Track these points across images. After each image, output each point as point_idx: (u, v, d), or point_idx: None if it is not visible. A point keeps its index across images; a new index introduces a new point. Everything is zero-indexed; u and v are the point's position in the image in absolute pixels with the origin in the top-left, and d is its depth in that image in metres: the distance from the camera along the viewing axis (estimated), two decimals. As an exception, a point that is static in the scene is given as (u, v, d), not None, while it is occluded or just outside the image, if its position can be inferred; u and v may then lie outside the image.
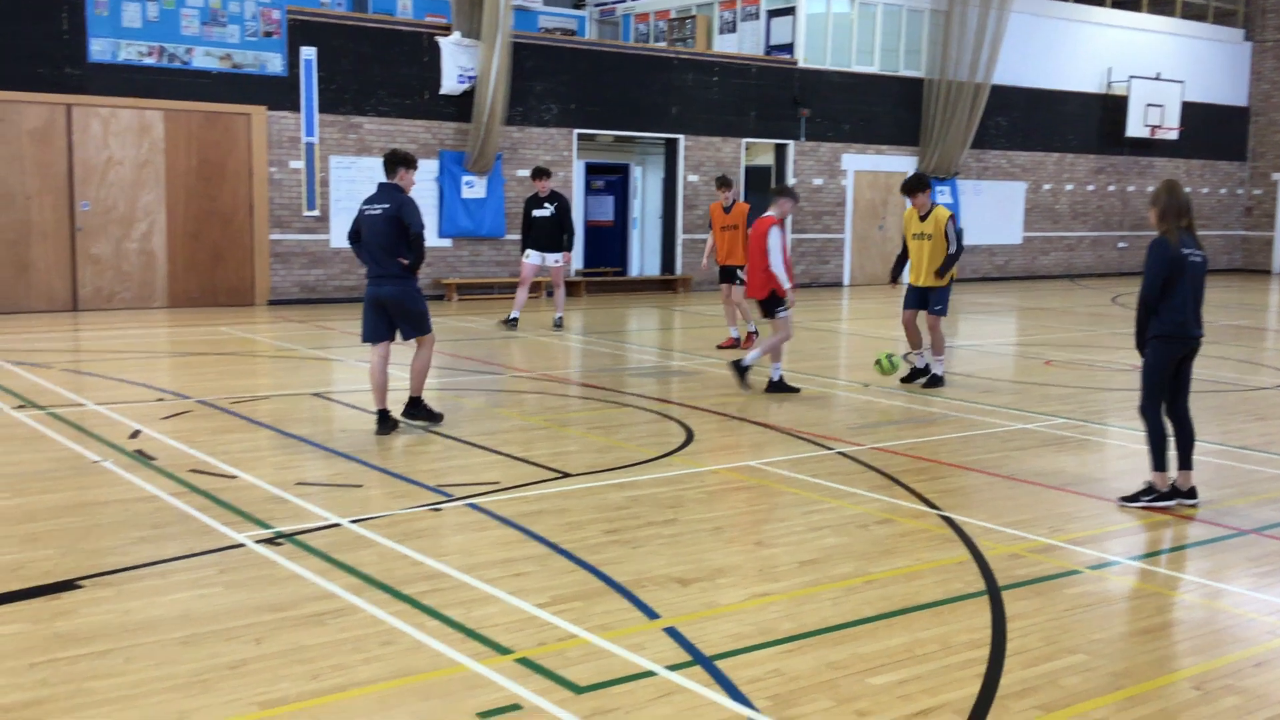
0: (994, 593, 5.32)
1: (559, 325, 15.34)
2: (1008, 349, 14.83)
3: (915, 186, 11.03)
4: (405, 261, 8.56)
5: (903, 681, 4.33)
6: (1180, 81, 27.36)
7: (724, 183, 13.76)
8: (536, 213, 15.04)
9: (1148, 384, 6.90)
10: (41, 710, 3.95)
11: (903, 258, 11.42)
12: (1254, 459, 8.27)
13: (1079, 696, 4.23)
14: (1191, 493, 6.87)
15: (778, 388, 10.67)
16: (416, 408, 9.00)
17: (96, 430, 8.43)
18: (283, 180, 17.56)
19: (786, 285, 10.48)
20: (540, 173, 15.11)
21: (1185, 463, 6.92)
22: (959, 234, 10.98)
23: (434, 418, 8.98)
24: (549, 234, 15.02)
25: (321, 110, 17.68)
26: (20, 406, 9.29)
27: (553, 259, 15.14)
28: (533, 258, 15.15)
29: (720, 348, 13.60)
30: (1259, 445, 8.72)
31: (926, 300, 11.10)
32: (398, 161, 8.66)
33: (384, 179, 8.72)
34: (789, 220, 10.53)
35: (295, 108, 17.49)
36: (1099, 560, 5.87)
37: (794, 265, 22.98)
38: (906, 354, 11.72)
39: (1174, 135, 27.26)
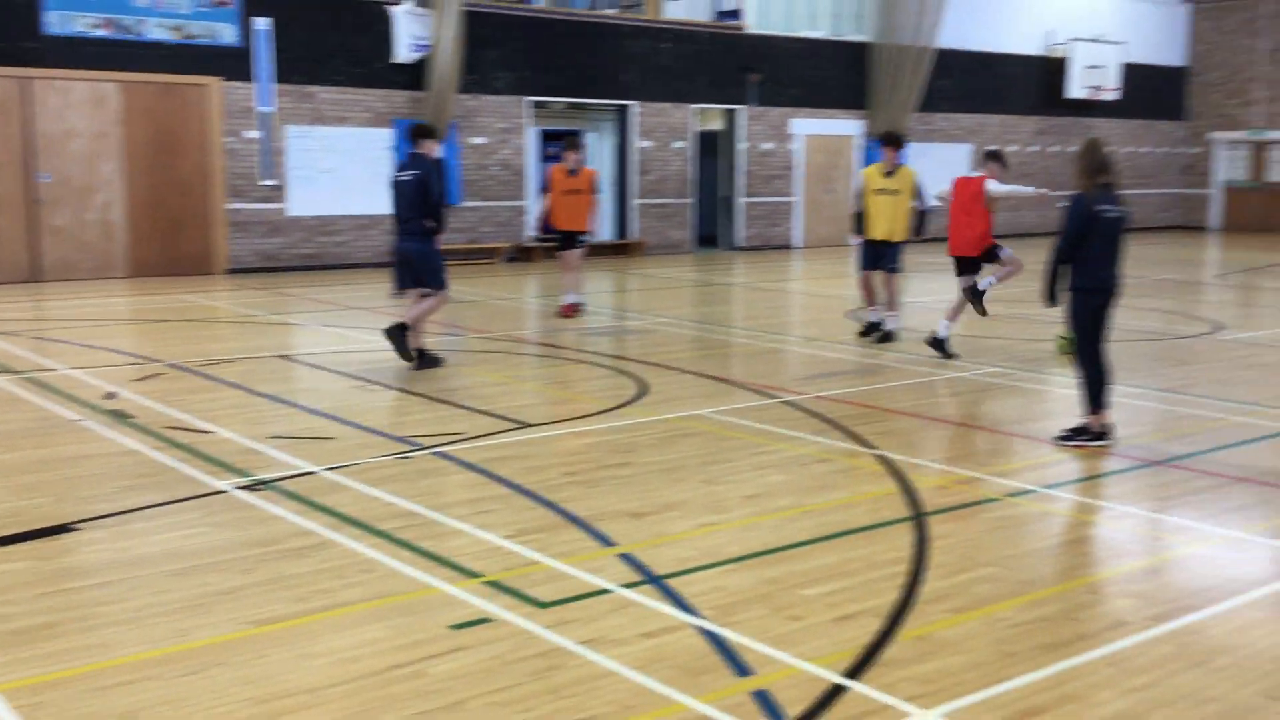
0: (919, 519, 5.84)
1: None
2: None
3: (895, 140, 11.36)
4: (430, 224, 9.67)
5: (831, 592, 4.83)
6: (1120, 43, 28.00)
7: (572, 145, 13.17)
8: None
9: (1080, 331, 7.33)
10: (55, 631, 4.36)
11: (860, 215, 11.54)
12: (1171, 400, 8.86)
13: (987, 600, 4.75)
14: (1102, 434, 7.34)
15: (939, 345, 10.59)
16: (401, 332, 9.69)
17: (72, 392, 8.76)
18: (239, 150, 17.77)
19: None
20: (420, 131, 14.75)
21: (1097, 405, 7.36)
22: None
23: (408, 356, 9.72)
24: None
25: (276, 80, 17.88)
26: (-5, 372, 9.60)
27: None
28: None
29: (562, 315, 13.22)
30: (1177, 388, 9.31)
31: (881, 258, 11.45)
32: (419, 133, 9.88)
33: (411, 149, 9.92)
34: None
35: (250, 78, 17.68)
36: (1017, 489, 6.41)
37: (749, 227, 23.50)
38: (857, 310, 12.17)
39: (1114, 96, 27.93)
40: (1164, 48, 29.88)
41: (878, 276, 11.62)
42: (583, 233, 13.32)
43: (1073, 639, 4.37)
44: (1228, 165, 29.77)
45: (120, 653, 4.17)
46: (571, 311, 13.34)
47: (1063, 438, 7.37)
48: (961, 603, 4.73)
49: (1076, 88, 27.28)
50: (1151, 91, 29.46)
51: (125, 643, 4.26)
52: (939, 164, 25.85)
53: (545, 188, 13.28)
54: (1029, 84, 27.22)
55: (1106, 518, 6.05)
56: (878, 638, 4.37)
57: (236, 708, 3.78)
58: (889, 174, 11.36)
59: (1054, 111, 27.73)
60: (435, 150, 9.89)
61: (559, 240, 13.49)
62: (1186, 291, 16.66)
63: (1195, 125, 30.51)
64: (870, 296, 11.76)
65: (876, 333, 11.60)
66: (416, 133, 9.83)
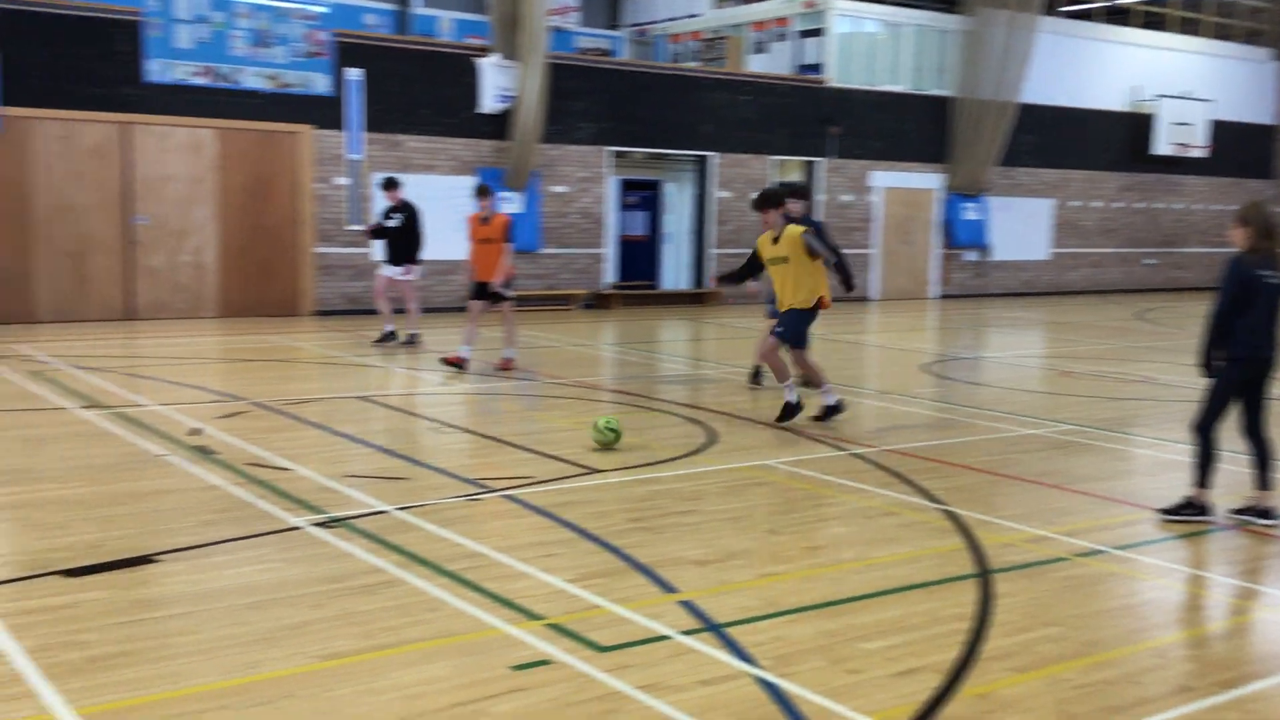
0: (984, 575, 5.80)
1: (413, 341, 14.52)
2: (1030, 360, 15.23)
3: (764, 202, 9.74)
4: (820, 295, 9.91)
5: (892, 647, 4.82)
6: (1208, 100, 27.62)
7: (483, 191, 12.68)
8: (387, 224, 14.60)
9: (1211, 403, 6.82)
10: (131, 659, 4.52)
11: (744, 272, 10.28)
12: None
13: (1051, 660, 4.71)
14: (1268, 513, 6.74)
15: None
16: (791, 411, 9.76)
17: (158, 427, 9.05)
18: (328, 196, 18.26)
19: None
20: (390, 183, 14.61)
21: (1263, 483, 6.84)
22: (823, 239, 9.91)
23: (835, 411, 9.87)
24: (395, 245, 14.57)
25: (366, 129, 18.38)
26: (88, 406, 9.95)
27: (397, 271, 14.61)
28: (385, 270, 14.80)
29: (446, 362, 12.47)
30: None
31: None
32: (786, 195, 10.06)
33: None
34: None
35: (341, 126, 18.19)
36: (1086, 550, 6.33)
37: (828, 279, 23.47)
38: (757, 374, 11.63)
39: (1202, 153, 27.52)
40: (1252, 105, 29.39)
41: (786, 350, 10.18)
42: (494, 282, 12.59)
43: (1136, 703, 4.32)
44: (1321, 224, 29.07)
45: (192, 682, 4.31)
46: (460, 362, 12.40)
47: (1168, 512, 6.92)
48: (1024, 661, 4.69)
49: (1163, 144, 26.95)
50: (1239, 149, 28.96)
51: (198, 673, 4.40)
52: (1022, 218, 25.77)
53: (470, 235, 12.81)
54: (1114, 140, 26.94)
55: (1176, 580, 5.95)
56: (938, 694, 4.35)
57: (301, 739, 3.88)
58: (775, 240, 9.77)
59: (1139, 168, 27.38)
60: (796, 209, 10.40)
61: (474, 290, 12.87)
62: None
63: (1286, 183, 29.92)
64: (779, 369, 10.06)
65: (789, 415, 9.81)
66: (782, 194, 10.12)
